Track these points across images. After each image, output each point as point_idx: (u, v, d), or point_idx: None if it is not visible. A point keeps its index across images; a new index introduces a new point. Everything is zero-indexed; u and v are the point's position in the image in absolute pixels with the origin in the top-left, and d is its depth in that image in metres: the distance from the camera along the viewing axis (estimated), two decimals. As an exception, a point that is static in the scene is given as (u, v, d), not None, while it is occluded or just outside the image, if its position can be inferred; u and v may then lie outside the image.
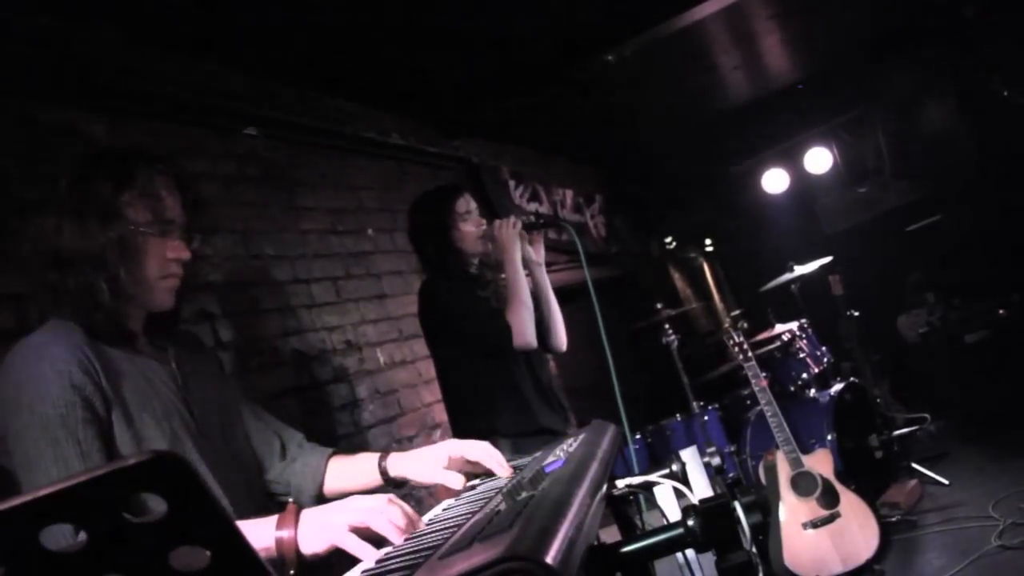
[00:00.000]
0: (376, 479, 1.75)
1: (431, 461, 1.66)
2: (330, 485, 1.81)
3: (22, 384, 1.41)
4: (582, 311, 3.25)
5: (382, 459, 1.75)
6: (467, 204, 2.96)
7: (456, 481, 1.57)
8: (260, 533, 1.34)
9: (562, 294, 3.28)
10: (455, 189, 3.09)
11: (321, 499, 1.80)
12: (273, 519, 1.36)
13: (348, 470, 1.82)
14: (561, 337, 3.12)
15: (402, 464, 1.73)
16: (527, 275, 3.00)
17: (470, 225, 2.94)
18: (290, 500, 1.43)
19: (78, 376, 1.41)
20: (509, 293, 2.87)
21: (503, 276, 2.95)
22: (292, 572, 1.33)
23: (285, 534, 1.32)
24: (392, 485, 1.74)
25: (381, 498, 1.33)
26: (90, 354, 1.45)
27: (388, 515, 1.28)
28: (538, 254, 3.06)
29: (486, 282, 3.04)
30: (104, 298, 1.50)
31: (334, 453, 1.86)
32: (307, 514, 1.35)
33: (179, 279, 1.66)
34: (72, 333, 1.47)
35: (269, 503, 1.76)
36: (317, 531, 1.32)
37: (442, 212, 2.94)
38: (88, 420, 1.40)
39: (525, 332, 2.83)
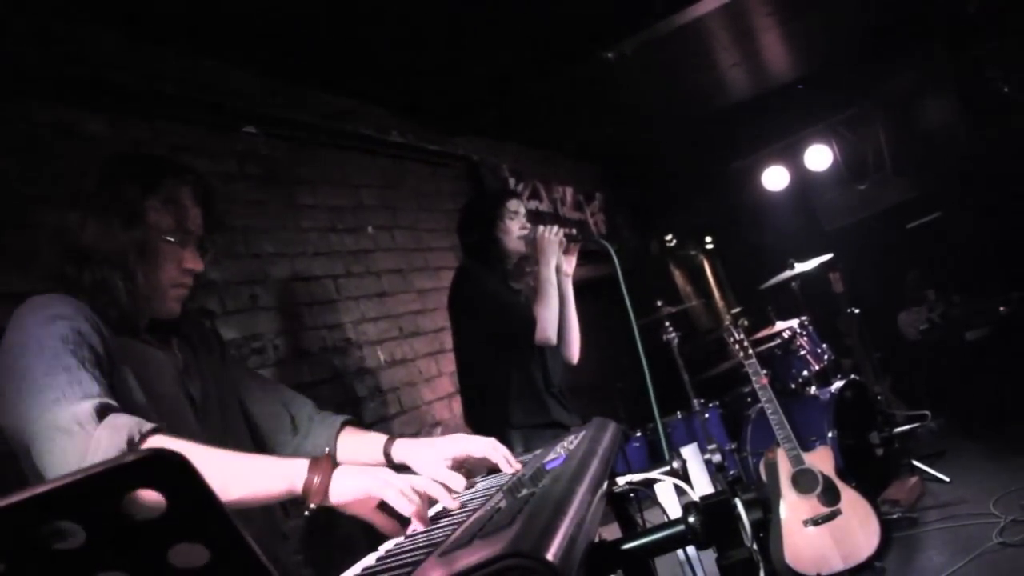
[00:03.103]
0: (380, 461, 1.75)
1: (435, 456, 1.66)
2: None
3: (29, 327, 1.41)
4: (584, 309, 3.26)
5: (388, 443, 1.76)
6: (518, 205, 3.18)
7: (457, 483, 1.55)
8: (290, 470, 1.34)
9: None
10: (512, 192, 3.23)
11: None
12: (305, 461, 1.35)
13: (356, 449, 1.82)
14: (574, 349, 3.23)
15: (407, 451, 1.73)
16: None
17: (515, 223, 3.12)
18: (328, 450, 1.42)
19: (85, 326, 1.43)
20: (538, 290, 3.02)
21: (532, 273, 3.09)
22: (310, 508, 1.33)
23: (316, 479, 1.32)
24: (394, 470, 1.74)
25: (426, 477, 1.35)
26: (96, 320, 1.47)
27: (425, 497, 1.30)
28: (569, 265, 3.18)
29: (518, 277, 3.19)
30: (120, 296, 1.52)
31: (344, 425, 1.86)
32: (346, 465, 1.36)
33: (188, 290, 1.67)
34: (78, 302, 1.48)
35: None
36: (355, 475, 1.33)
37: (494, 204, 3.16)
38: (95, 362, 1.39)
39: (547, 328, 2.97)
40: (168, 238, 1.59)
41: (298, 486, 1.32)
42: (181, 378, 1.63)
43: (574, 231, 3.22)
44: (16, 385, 1.35)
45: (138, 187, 1.56)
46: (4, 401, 1.37)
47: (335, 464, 1.35)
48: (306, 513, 1.34)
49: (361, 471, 1.34)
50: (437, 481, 1.35)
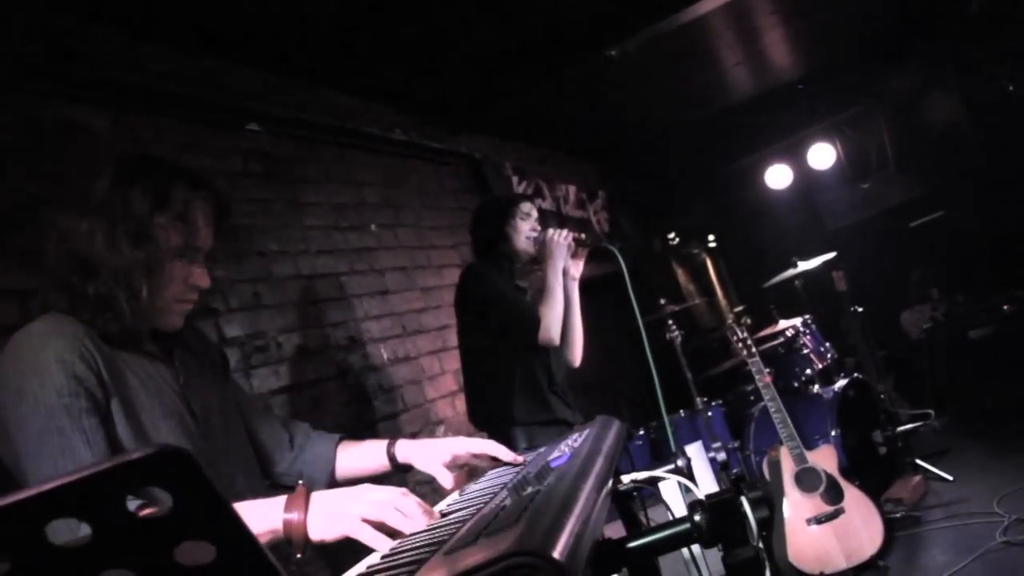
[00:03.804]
0: (384, 464, 1.78)
1: (435, 454, 1.68)
2: (341, 472, 1.83)
3: (25, 372, 1.39)
4: (587, 308, 3.27)
5: (390, 445, 1.78)
6: (530, 208, 3.25)
7: (447, 481, 1.60)
8: (268, 514, 1.32)
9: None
10: (527, 195, 3.58)
11: (333, 485, 1.81)
12: (281, 500, 1.34)
13: (357, 456, 1.84)
14: (577, 352, 3.26)
15: (409, 451, 1.76)
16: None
17: (527, 224, 3.18)
18: (301, 483, 1.40)
19: (81, 368, 1.40)
20: (544, 291, 3.04)
21: (538, 274, 3.13)
22: (299, 555, 1.31)
23: (294, 517, 1.30)
24: (399, 470, 1.77)
25: (394, 491, 1.31)
26: (91, 347, 1.44)
27: (403, 508, 1.27)
28: (576, 269, 3.21)
29: (524, 276, 3.27)
30: (123, 313, 1.49)
31: (341, 439, 1.88)
32: (318, 498, 1.33)
33: (193, 304, 1.65)
34: (75, 326, 1.46)
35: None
36: (329, 519, 1.29)
37: (507, 205, 3.23)
38: (91, 410, 1.38)
39: (551, 328, 2.99)
40: (177, 256, 1.56)
41: (279, 526, 1.30)
42: (183, 391, 1.61)
43: (583, 235, 3.24)
44: (13, 433, 1.37)
45: (148, 202, 1.52)
46: (4, 434, 1.39)
47: (309, 494, 1.33)
48: (298, 556, 1.31)
49: (334, 512, 1.29)
50: (404, 498, 1.30)
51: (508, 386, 3.05)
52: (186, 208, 1.56)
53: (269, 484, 1.81)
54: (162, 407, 1.53)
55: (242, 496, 1.59)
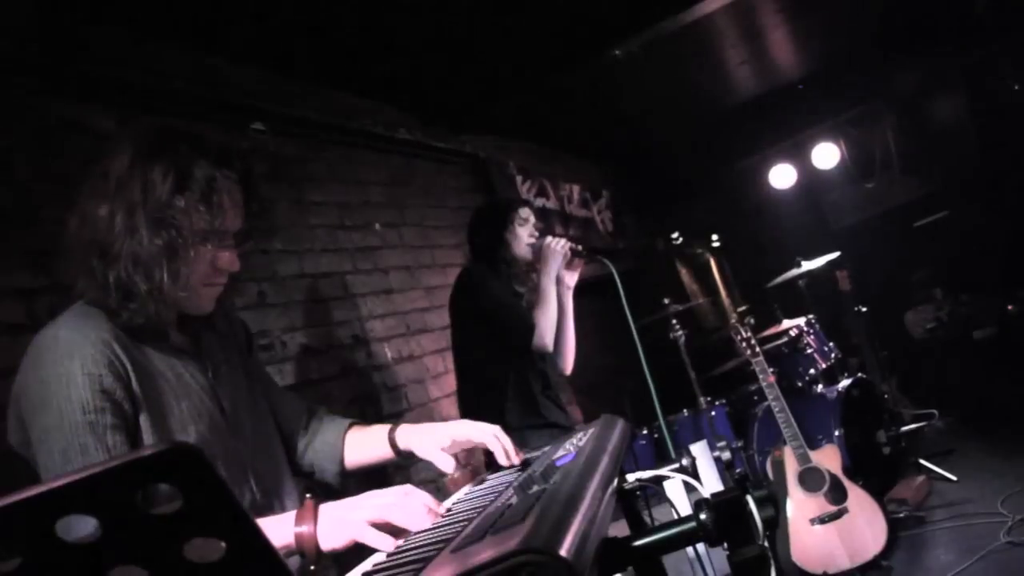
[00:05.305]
0: (388, 452, 1.76)
1: (434, 439, 1.68)
2: (349, 461, 1.83)
3: (50, 382, 1.34)
4: (592, 307, 3.27)
5: (392, 431, 1.77)
6: (528, 214, 3.26)
7: (446, 464, 1.58)
8: (279, 530, 1.34)
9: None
10: (524, 200, 3.60)
11: (344, 474, 1.83)
12: (291, 515, 1.36)
13: (363, 444, 1.83)
14: (569, 359, 3.28)
15: (409, 437, 1.74)
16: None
17: (525, 230, 3.19)
18: (309, 496, 1.41)
19: (108, 380, 1.36)
20: (538, 297, 3.07)
21: (534, 279, 3.15)
22: (312, 568, 1.33)
23: (305, 529, 1.33)
24: (401, 456, 1.76)
25: (398, 491, 1.33)
26: (120, 353, 1.39)
27: (406, 508, 1.29)
28: (571, 278, 3.23)
29: (522, 282, 3.25)
30: (146, 303, 1.43)
31: (351, 425, 1.86)
32: (325, 509, 1.35)
33: (223, 287, 1.59)
34: (101, 328, 1.41)
35: (301, 491, 1.73)
36: (336, 527, 1.32)
37: (506, 210, 3.24)
38: (117, 426, 1.35)
39: (545, 334, 3.02)
40: (201, 242, 1.48)
41: (291, 540, 1.33)
42: (212, 387, 1.57)
43: (579, 247, 3.25)
44: (35, 444, 1.36)
45: (169, 183, 1.43)
46: (26, 439, 1.38)
47: (317, 506, 1.35)
48: (312, 568, 1.33)
49: (340, 520, 1.32)
50: (410, 499, 1.33)
51: (501, 390, 3.05)
52: (210, 188, 1.46)
53: (293, 473, 1.80)
54: (191, 409, 1.49)
55: (273, 486, 1.61)
